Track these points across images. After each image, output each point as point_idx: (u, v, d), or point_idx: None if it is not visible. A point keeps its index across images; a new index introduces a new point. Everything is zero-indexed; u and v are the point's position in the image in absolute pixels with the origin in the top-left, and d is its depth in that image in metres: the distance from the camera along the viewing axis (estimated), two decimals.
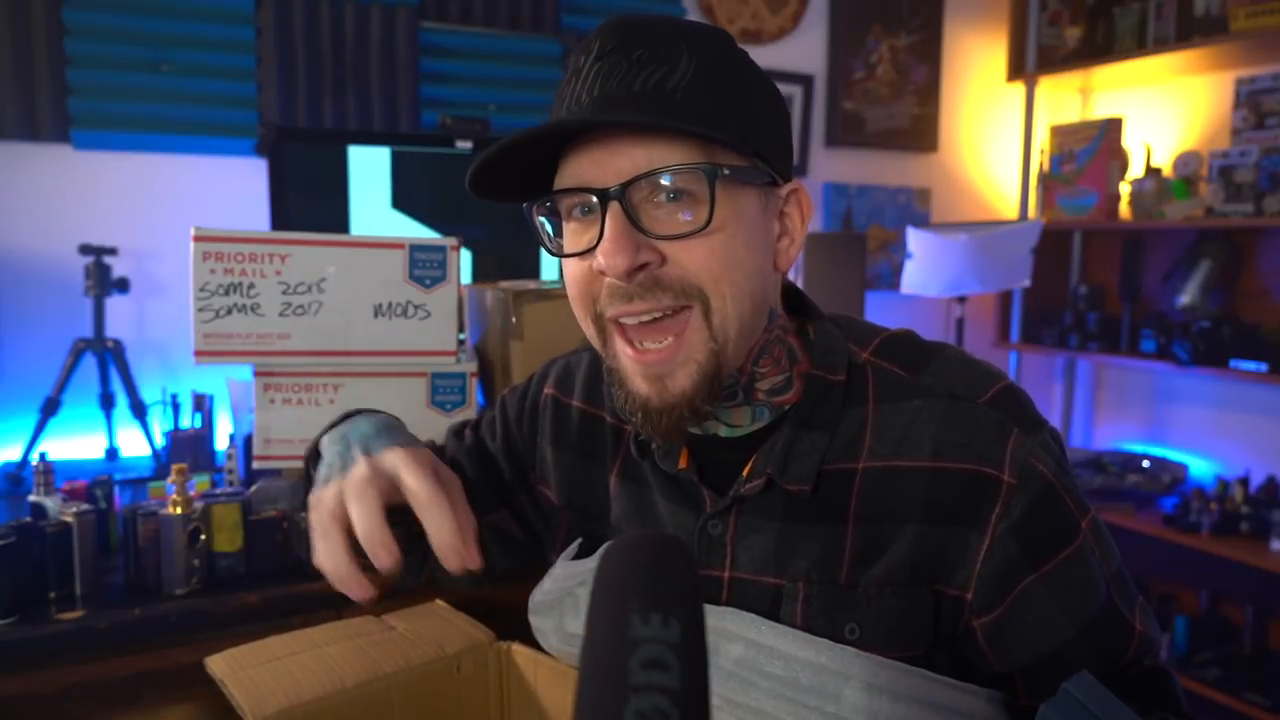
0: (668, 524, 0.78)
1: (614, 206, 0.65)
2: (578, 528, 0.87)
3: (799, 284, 0.82)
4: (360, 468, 0.71)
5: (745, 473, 0.73)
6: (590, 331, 0.72)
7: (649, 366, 0.68)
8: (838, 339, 0.75)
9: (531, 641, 0.98)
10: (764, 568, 0.73)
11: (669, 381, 0.68)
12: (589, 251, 0.67)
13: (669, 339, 0.67)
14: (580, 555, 0.85)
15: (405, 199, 1.91)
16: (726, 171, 0.65)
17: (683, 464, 0.76)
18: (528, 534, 0.95)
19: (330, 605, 1.15)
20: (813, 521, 0.72)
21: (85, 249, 1.82)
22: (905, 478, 0.69)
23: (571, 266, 0.70)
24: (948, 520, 0.68)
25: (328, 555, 0.69)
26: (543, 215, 0.72)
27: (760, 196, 0.69)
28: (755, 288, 0.69)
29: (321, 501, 0.70)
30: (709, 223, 0.65)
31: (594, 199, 0.65)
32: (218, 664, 0.92)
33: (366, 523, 0.67)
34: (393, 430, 0.78)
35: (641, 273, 0.65)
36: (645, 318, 0.67)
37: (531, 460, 0.92)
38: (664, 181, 0.64)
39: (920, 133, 3.06)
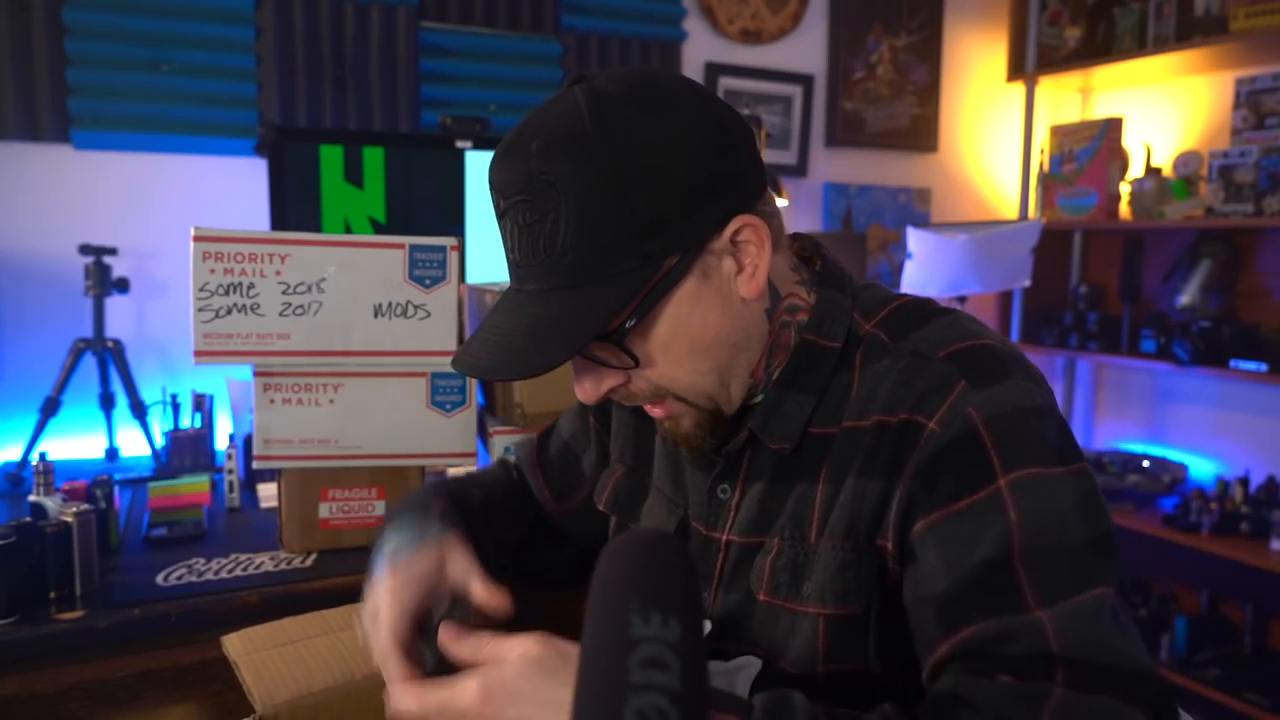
0: (689, 485, 0.83)
1: None
2: (626, 480, 0.92)
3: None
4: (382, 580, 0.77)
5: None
6: None
7: (657, 417, 0.77)
8: (842, 307, 0.77)
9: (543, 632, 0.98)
10: (751, 528, 0.77)
11: (675, 426, 0.77)
12: None
13: (661, 410, 0.76)
14: (623, 503, 0.91)
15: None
16: (634, 321, 0.68)
17: None
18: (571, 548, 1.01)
19: (330, 606, 1.14)
20: (793, 482, 0.75)
21: (85, 249, 1.82)
22: (859, 436, 0.72)
23: None
24: (882, 473, 0.70)
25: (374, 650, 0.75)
26: None
27: (697, 273, 0.70)
28: (722, 351, 0.73)
29: (364, 607, 0.78)
30: (637, 363, 0.70)
31: None
32: (233, 643, 0.92)
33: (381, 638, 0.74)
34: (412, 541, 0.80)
35: (611, 394, 0.73)
36: None
37: (607, 423, 0.97)
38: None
39: (920, 133, 3.06)
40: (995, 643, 0.61)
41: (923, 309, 0.77)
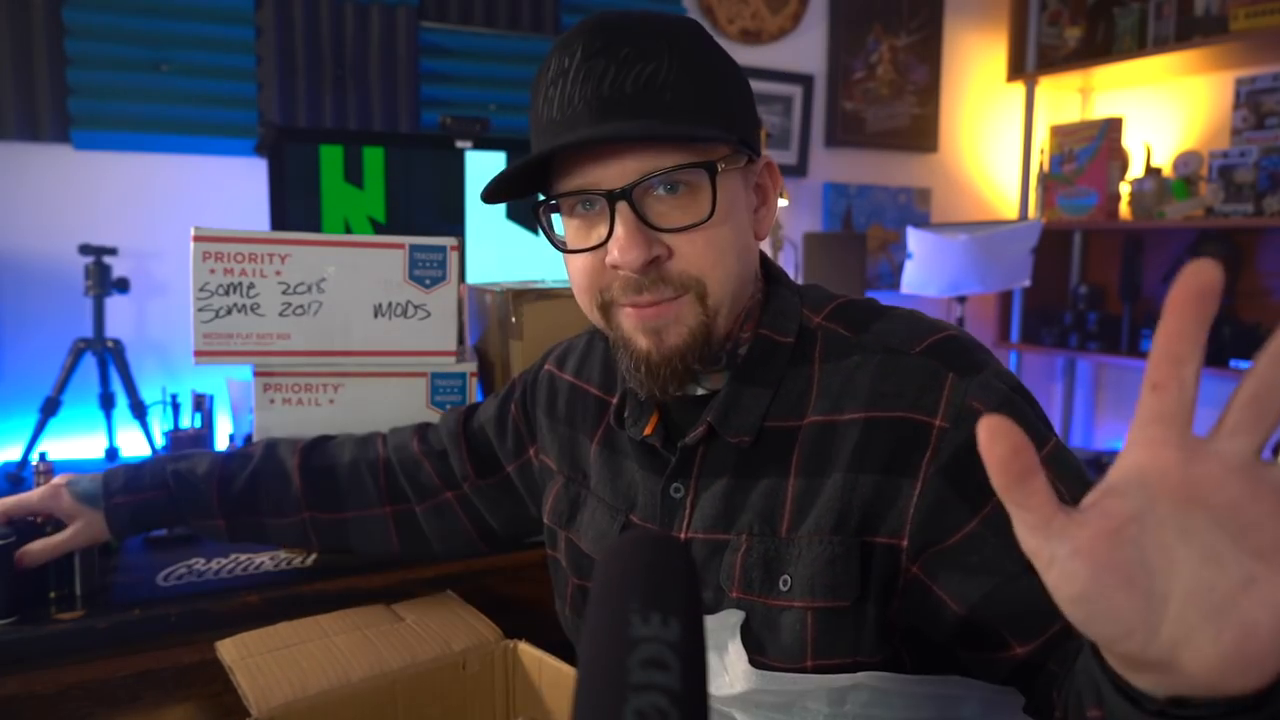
0: (639, 488, 0.83)
1: (623, 206, 0.69)
2: (564, 491, 0.92)
3: (798, 282, 0.86)
4: None
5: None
6: (595, 315, 0.77)
7: (647, 321, 0.73)
8: (792, 303, 0.79)
9: (538, 638, 0.98)
10: (715, 525, 0.76)
11: (665, 335, 0.73)
12: (599, 247, 0.72)
13: (667, 310, 0.73)
14: (562, 515, 0.91)
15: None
16: (722, 166, 0.70)
17: (648, 430, 0.81)
18: (473, 521, 1.06)
19: (330, 606, 1.14)
20: (759, 477, 0.75)
21: (85, 249, 1.82)
22: (841, 431, 0.72)
23: (579, 260, 0.75)
24: (877, 469, 0.70)
25: None
26: (546, 212, 0.76)
27: (743, 176, 0.75)
28: (744, 265, 0.75)
29: None
30: (711, 215, 0.70)
31: (602, 199, 0.70)
32: (227, 649, 0.93)
33: None
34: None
35: (653, 267, 0.70)
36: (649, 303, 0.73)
37: (531, 432, 0.99)
38: (667, 182, 0.69)
39: (920, 133, 3.06)
40: None
41: (871, 304, 0.80)
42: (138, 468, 1.07)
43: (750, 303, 0.78)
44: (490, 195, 0.73)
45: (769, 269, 0.83)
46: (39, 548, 1.01)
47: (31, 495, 1.03)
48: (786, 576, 0.72)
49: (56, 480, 1.04)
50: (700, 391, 0.79)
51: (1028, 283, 2.71)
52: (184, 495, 1.06)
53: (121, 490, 1.04)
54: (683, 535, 0.78)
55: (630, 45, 0.68)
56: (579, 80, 0.68)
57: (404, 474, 1.07)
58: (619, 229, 0.69)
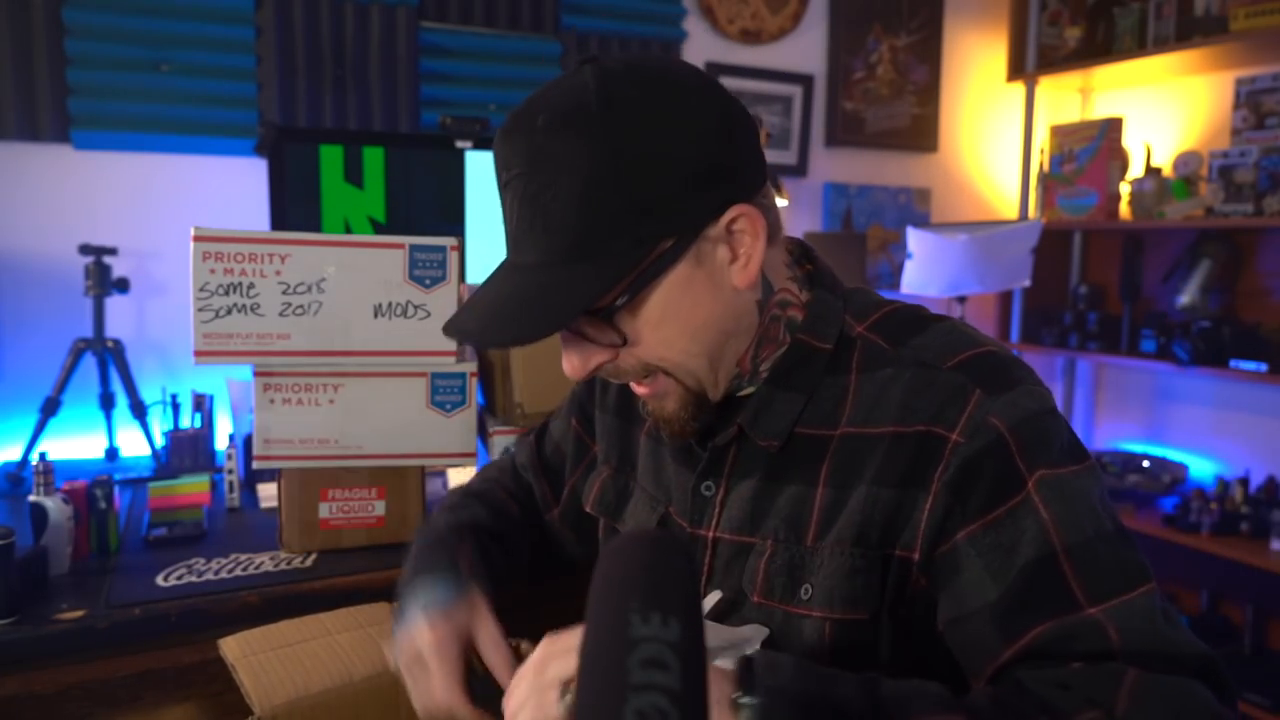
0: (673, 482, 0.84)
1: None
2: (611, 481, 0.92)
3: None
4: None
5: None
6: None
7: (643, 396, 0.78)
8: (835, 310, 0.78)
9: (538, 637, 0.98)
10: (742, 527, 0.77)
11: (662, 404, 0.77)
12: None
13: (649, 389, 0.76)
14: (609, 504, 0.92)
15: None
16: (624, 299, 0.68)
17: None
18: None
19: (330, 606, 1.14)
20: (788, 482, 0.75)
21: (85, 249, 1.82)
22: (870, 444, 0.72)
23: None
24: (899, 482, 0.70)
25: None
26: None
27: (690, 258, 0.70)
28: (712, 336, 0.73)
29: (400, 647, 0.84)
30: (625, 341, 0.71)
31: None
32: (229, 646, 0.92)
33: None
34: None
35: (598, 370, 0.73)
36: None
37: (591, 433, 0.99)
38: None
39: (920, 133, 3.06)
40: (1059, 641, 0.63)
41: (916, 315, 0.78)
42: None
43: (760, 331, 0.76)
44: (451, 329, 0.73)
45: (815, 270, 0.80)
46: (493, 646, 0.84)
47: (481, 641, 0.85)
48: (808, 585, 0.72)
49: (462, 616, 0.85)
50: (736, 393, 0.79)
51: (1028, 283, 2.71)
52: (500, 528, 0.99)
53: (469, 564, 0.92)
54: (710, 534, 0.79)
55: (528, 166, 0.66)
56: (504, 205, 0.70)
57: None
58: (562, 340, 0.73)
